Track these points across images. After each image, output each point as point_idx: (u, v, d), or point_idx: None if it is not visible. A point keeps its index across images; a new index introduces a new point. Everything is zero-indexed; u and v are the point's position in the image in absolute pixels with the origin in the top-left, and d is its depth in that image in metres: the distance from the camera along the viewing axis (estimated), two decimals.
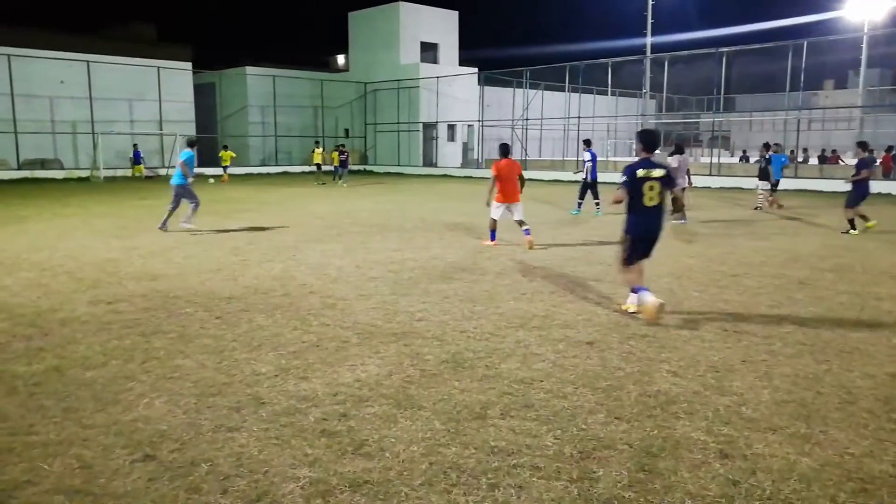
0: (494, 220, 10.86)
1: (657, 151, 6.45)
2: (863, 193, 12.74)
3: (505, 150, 10.86)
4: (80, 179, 30.09)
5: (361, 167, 40.48)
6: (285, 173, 37.67)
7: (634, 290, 6.39)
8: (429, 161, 40.61)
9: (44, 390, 4.53)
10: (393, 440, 3.78)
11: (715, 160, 31.22)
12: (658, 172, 6.22)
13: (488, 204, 10.81)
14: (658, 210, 6.28)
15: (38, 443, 3.74)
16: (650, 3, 37.04)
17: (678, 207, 13.47)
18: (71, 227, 13.33)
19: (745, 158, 36.85)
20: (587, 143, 16.59)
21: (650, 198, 6.18)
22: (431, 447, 3.70)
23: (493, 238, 10.99)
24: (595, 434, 3.88)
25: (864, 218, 12.94)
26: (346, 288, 7.78)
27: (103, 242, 11.25)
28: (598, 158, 16.63)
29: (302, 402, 4.33)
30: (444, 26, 42.56)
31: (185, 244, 11.09)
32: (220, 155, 31.68)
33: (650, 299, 6.14)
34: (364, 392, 4.51)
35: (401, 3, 40.81)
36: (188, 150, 13.00)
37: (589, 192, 15.90)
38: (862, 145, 13.13)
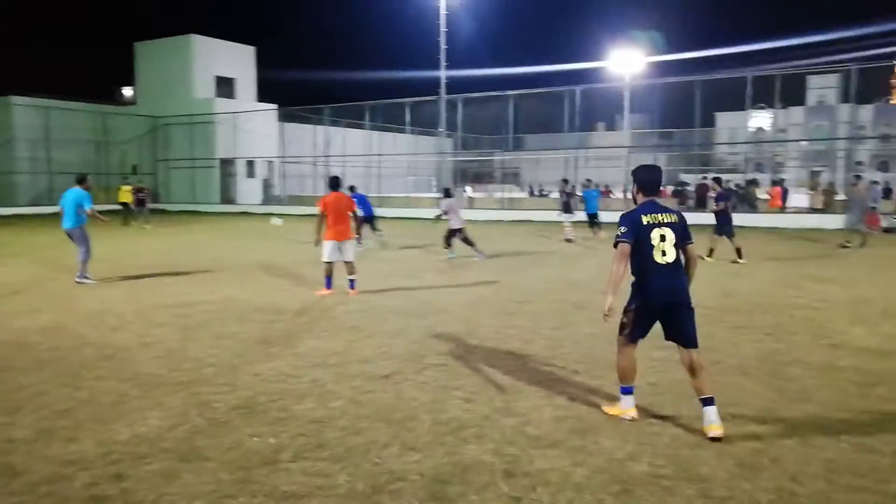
0: (328, 265, 9.72)
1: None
2: (728, 223, 13.70)
3: (334, 182, 10.01)
4: None
5: (153, 206, 37.81)
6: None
7: (624, 391, 4.77)
8: (227, 198, 39.01)
9: None
10: (173, 498, 3.51)
11: (507, 195, 33.34)
12: (669, 217, 4.60)
13: (317, 244, 9.82)
14: (675, 268, 4.54)
15: None
16: (443, 47, 38.98)
17: (470, 242, 14.25)
18: None
19: (540, 193, 39.86)
20: (351, 188, 16.34)
21: (662, 251, 4.50)
22: (216, 500, 3.48)
23: (328, 286, 9.77)
24: (388, 467, 3.90)
25: (710, 251, 13.69)
26: (128, 336, 7.16)
27: None
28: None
29: (67, 467, 3.88)
30: (240, 61, 41.46)
31: None
32: None
33: (630, 406, 4.74)
34: (143, 449, 4.15)
35: (193, 36, 39.18)
36: (78, 187, 11.01)
37: (366, 225, 16.48)
38: (717, 180, 14.53)
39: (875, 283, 10.83)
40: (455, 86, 38.43)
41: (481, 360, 6.21)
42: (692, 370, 4.51)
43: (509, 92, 32.99)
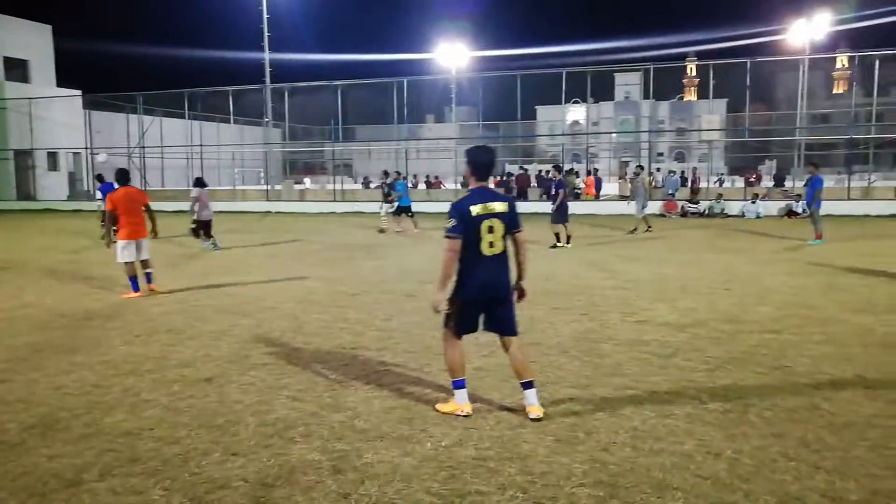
0: (128, 265, 9.03)
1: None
2: (565, 211, 14.18)
3: (123, 176, 9.30)
4: None
5: None
6: None
7: (456, 385, 4.63)
8: (25, 194, 35.07)
9: None
10: None
11: (339, 187, 32.96)
12: (499, 207, 4.48)
13: (108, 245, 9.21)
14: (501, 261, 4.50)
15: None
16: (266, 33, 37.63)
17: (207, 233, 14.23)
18: None
19: (366, 184, 39.85)
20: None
21: (490, 242, 4.42)
22: None
23: (135, 288, 9.07)
24: (209, 476, 3.68)
25: (567, 238, 14.21)
26: None
27: None
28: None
29: None
30: (34, 40, 37.23)
31: None
32: None
33: (464, 401, 4.61)
34: None
35: None
36: None
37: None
38: (557, 168, 14.97)
39: (673, 263, 12.00)
40: (282, 74, 37.25)
41: (310, 356, 6.07)
42: (513, 357, 4.58)
43: (337, 82, 32.56)
